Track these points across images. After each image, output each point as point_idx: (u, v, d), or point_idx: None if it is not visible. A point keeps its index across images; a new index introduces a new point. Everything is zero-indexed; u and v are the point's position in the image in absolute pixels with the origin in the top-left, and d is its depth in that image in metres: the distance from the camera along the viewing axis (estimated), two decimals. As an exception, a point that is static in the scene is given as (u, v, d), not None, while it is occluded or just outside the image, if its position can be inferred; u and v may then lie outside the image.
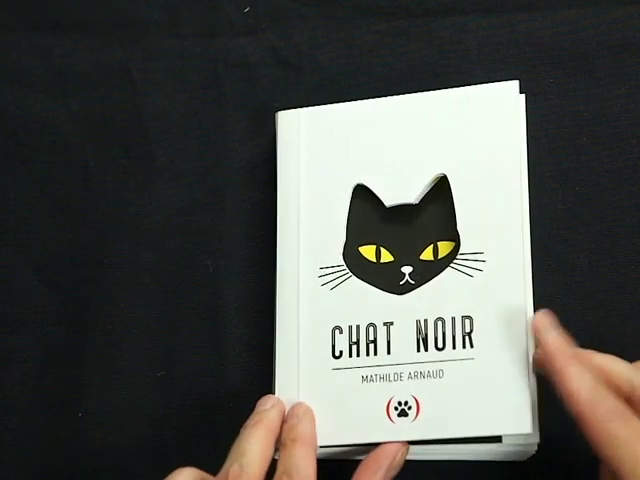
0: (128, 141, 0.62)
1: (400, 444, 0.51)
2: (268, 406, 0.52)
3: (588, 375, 0.47)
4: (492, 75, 0.60)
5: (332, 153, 0.57)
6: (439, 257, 0.54)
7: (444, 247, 0.54)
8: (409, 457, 0.54)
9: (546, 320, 0.50)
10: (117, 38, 0.62)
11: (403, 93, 0.58)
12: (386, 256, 0.55)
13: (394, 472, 0.51)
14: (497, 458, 0.54)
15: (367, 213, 0.56)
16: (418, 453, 0.54)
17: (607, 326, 0.56)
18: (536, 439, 0.51)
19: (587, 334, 0.56)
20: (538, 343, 0.50)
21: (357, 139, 0.56)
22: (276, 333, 0.55)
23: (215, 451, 0.52)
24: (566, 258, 0.57)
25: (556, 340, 0.49)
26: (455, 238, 0.54)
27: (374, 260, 0.55)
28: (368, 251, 0.55)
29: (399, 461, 0.51)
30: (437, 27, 0.61)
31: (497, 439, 0.51)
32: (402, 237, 0.55)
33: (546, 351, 0.48)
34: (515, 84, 0.55)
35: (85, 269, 0.61)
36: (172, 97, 0.62)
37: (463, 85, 0.57)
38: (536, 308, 0.53)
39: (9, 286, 0.60)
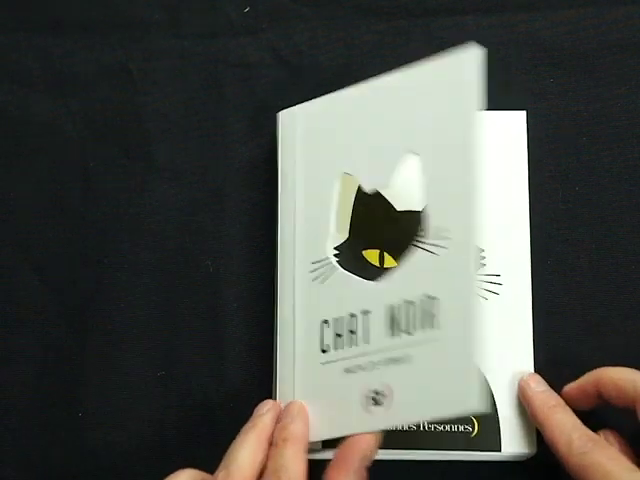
0: (128, 141, 0.62)
1: (370, 436, 0.50)
2: (264, 410, 0.52)
3: (568, 420, 0.50)
4: (492, 75, 0.59)
5: (324, 147, 0.56)
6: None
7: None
8: (409, 457, 0.54)
9: (531, 379, 0.53)
10: (117, 38, 0.62)
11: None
12: (389, 262, 0.55)
13: (368, 461, 0.50)
14: (497, 459, 0.54)
15: (373, 215, 0.56)
16: (418, 453, 0.54)
17: (607, 326, 0.56)
18: (533, 450, 0.53)
19: (587, 334, 0.56)
20: (524, 401, 0.53)
21: (348, 129, 0.55)
22: (276, 333, 0.55)
23: (215, 451, 0.52)
24: (566, 258, 0.57)
25: (538, 394, 0.52)
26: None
27: (377, 265, 0.55)
28: (372, 255, 0.55)
29: (372, 451, 0.50)
30: (437, 27, 0.61)
31: (496, 449, 0.53)
32: (406, 243, 0.55)
33: (530, 406, 0.52)
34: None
35: (85, 269, 0.61)
36: (172, 97, 0.62)
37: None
38: (535, 308, 0.54)
39: (9, 286, 0.60)
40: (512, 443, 0.53)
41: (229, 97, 0.61)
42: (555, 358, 0.56)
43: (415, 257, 0.52)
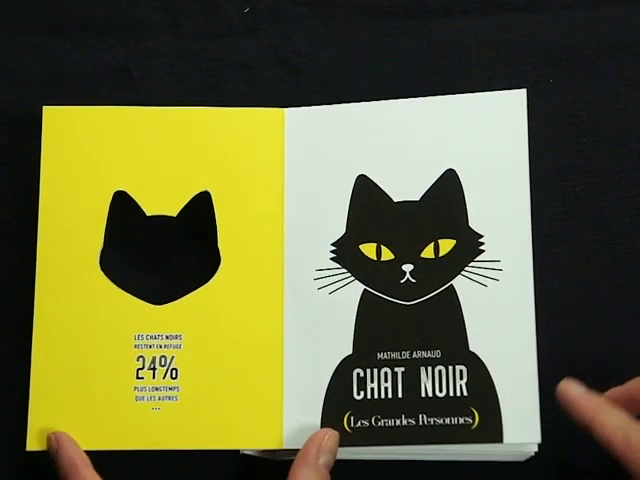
0: (128, 141, 0.62)
1: (326, 430, 0.52)
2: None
3: (619, 416, 0.49)
4: (492, 75, 0.60)
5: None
6: (440, 255, 0.54)
7: (445, 245, 0.54)
8: (409, 457, 0.54)
9: (569, 384, 0.51)
10: (117, 38, 0.62)
11: (403, 93, 0.58)
12: (387, 254, 0.55)
13: (329, 457, 0.51)
14: (497, 459, 0.54)
15: (369, 208, 0.56)
16: (418, 454, 0.54)
17: (607, 326, 0.56)
18: (537, 438, 0.51)
19: (587, 334, 0.56)
20: (567, 406, 0.51)
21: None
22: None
23: (215, 451, 0.52)
24: (566, 258, 0.57)
25: (581, 396, 0.51)
26: (456, 236, 0.54)
27: (375, 258, 0.55)
28: (369, 249, 0.55)
29: (329, 445, 0.52)
30: (437, 27, 0.61)
31: (498, 439, 0.52)
32: (403, 234, 0.55)
33: (575, 409, 0.50)
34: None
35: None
36: (172, 97, 0.61)
37: (463, 85, 0.57)
38: (537, 307, 0.53)
39: (10, 287, 0.60)
40: (515, 433, 0.52)
41: (229, 97, 0.61)
42: (557, 354, 0.56)
43: (459, 284, 0.54)
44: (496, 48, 0.60)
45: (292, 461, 0.52)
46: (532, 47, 0.60)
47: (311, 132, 0.57)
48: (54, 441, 0.53)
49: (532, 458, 0.54)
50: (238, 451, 0.55)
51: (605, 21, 0.60)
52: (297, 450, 0.53)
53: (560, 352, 0.56)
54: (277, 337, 0.55)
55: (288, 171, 0.57)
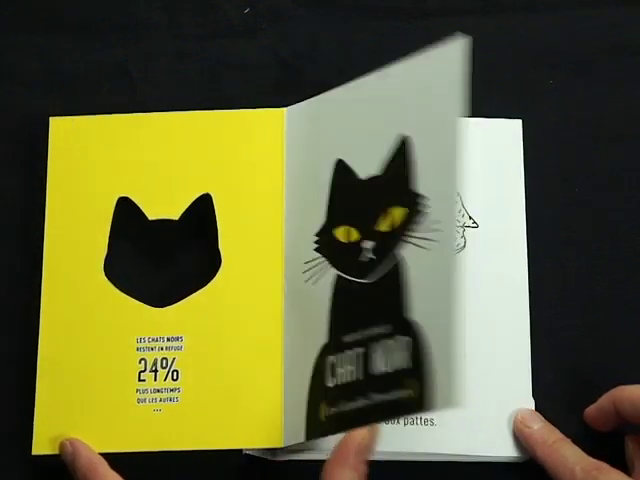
0: (128, 141, 0.62)
1: (364, 430, 0.49)
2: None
3: (572, 454, 0.50)
4: (492, 76, 0.60)
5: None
6: (394, 226, 0.51)
7: (396, 214, 0.51)
8: (409, 458, 0.54)
9: (528, 415, 0.53)
10: (117, 38, 0.62)
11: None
12: (353, 235, 0.53)
13: (365, 456, 0.49)
14: (498, 459, 0.54)
15: (342, 192, 0.54)
16: (419, 454, 0.54)
17: (607, 326, 0.57)
18: (461, 403, 0.46)
19: (587, 334, 0.56)
20: (522, 440, 0.53)
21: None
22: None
23: (217, 452, 0.53)
24: (566, 258, 0.57)
25: (537, 432, 0.52)
26: (408, 203, 0.51)
27: (345, 241, 0.54)
28: (341, 232, 0.54)
29: (367, 444, 0.49)
30: (436, 28, 0.61)
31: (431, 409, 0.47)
32: (365, 212, 0.53)
33: (529, 445, 0.52)
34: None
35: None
36: (172, 98, 0.62)
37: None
38: (537, 308, 0.54)
39: (17, 291, 0.59)
40: (442, 399, 0.46)
41: (229, 97, 0.61)
42: (557, 356, 0.56)
43: (408, 254, 0.50)
44: (496, 49, 0.60)
45: (294, 461, 0.52)
46: (532, 47, 0.60)
47: (306, 127, 0.57)
48: (69, 446, 0.53)
49: (532, 459, 0.54)
50: (240, 452, 0.55)
51: (604, 23, 0.60)
52: (297, 450, 0.53)
53: (560, 354, 0.56)
54: (277, 337, 0.55)
55: (287, 171, 0.57)
